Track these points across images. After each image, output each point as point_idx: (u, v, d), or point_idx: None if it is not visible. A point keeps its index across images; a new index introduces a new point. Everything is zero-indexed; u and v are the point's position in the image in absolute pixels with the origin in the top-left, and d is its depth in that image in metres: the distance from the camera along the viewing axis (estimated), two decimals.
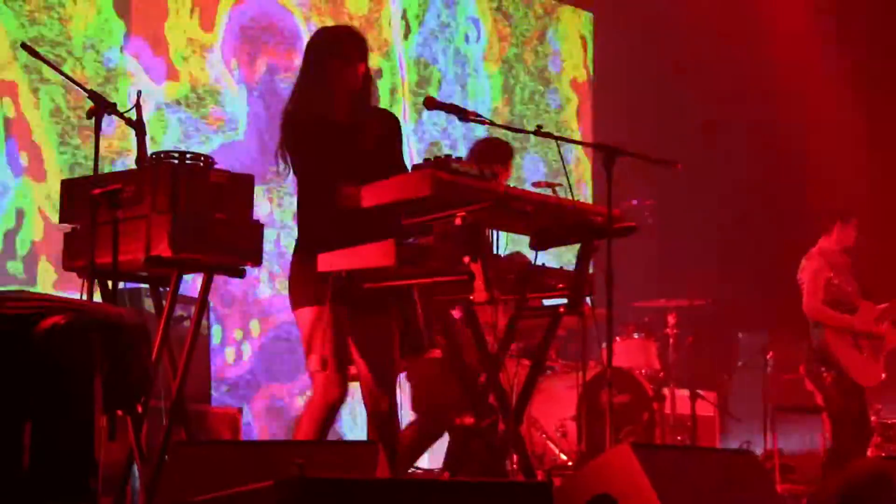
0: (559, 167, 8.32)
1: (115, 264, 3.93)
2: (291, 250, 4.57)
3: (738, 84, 9.69)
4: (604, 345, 4.40)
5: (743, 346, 8.96)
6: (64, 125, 6.56)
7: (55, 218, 5.32)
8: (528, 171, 9.04)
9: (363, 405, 4.51)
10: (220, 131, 7.27)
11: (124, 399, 3.34)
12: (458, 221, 4.03)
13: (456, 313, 4.66)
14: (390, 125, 4.64)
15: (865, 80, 9.64)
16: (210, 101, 7.22)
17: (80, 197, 4.19)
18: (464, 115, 4.34)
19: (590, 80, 9.96)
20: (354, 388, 4.54)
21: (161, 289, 4.49)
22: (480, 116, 4.41)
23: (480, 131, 8.48)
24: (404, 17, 8.45)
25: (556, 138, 4.51)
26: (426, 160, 4.12)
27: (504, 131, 5.56)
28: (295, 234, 4.58)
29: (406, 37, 8.46)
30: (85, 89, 4.26)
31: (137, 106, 4.23)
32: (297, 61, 4.84)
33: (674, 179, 5.91)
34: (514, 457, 4.52)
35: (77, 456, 3.04)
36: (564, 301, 4.45)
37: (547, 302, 4.80)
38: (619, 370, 6.90)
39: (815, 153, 9.36)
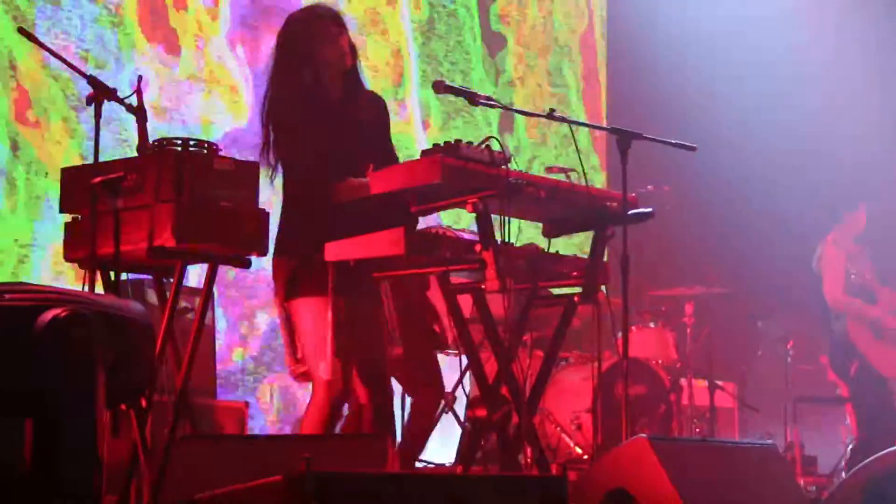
0: (566, 160, 8.26)
1: (117, 255, 3.86)
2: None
3: (761, 70, 9.57)
4: (619, 335, 4.30)
5: (762, 336, 8.85)
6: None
7: None
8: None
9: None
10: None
11: (128, 393, 3.28)
12: (469, 208, 3.93)
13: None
14: (378, 108, 4.54)
15: (888, 62, 9.49)
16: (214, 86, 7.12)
17: (80, 186, 4.10)
18: (474, 98, 4.23)
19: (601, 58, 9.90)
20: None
21: (165, 280, 4.40)
22: (492, 100, 4.30)
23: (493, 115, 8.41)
24: None
25: (571, 122, 4.43)
26: (435, 145, 4.01)
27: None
28: None
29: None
30: (84, 75, 4.16)
31: (138, 91, 4.12)
32: None
33: (690, 164, 5.81)
34: (528, 450, 4.42)
35: (80, 454, 2.95)
36: (579, 290, 4.36)
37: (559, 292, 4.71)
38: (635, 361, 6.84)
39: (838, 139, 9.22)
